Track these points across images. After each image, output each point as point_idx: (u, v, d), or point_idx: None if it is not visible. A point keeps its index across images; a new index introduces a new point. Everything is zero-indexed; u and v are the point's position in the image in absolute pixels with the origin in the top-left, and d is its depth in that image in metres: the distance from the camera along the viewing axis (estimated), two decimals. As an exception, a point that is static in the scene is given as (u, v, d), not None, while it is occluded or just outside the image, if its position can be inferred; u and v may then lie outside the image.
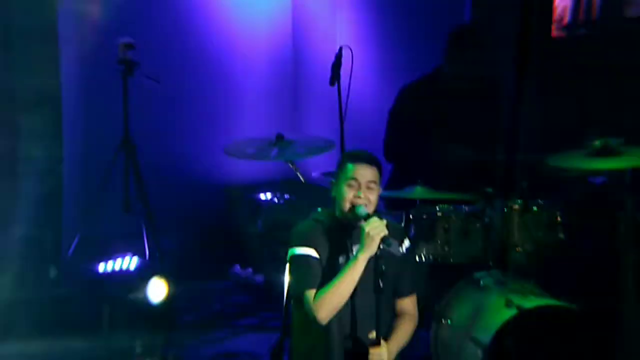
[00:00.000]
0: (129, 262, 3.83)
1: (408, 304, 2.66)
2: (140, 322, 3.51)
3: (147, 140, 4.37)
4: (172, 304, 3.67)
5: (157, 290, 3.59)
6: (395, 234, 2.57)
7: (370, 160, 2.57)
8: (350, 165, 2.55)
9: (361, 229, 2.48)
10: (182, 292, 3.88)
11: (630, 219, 2.87)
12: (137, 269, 3.79)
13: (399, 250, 2.54)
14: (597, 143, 2.98)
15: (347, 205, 2.53)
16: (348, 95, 3.39)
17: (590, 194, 3.30)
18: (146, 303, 3.54)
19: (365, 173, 2.54)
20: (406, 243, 2.65)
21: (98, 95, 4.70)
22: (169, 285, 3.66)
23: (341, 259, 2.54)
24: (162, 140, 4.85)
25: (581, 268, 3.26)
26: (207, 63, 5.09)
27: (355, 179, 2.53)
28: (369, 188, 2.54)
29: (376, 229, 2.44)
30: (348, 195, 2.53)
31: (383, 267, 2.45)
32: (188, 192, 4.96)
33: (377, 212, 2.62)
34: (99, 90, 4.68)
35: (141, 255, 4.00)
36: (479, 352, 2.89)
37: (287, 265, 2.61)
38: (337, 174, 2.60)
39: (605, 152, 2.96)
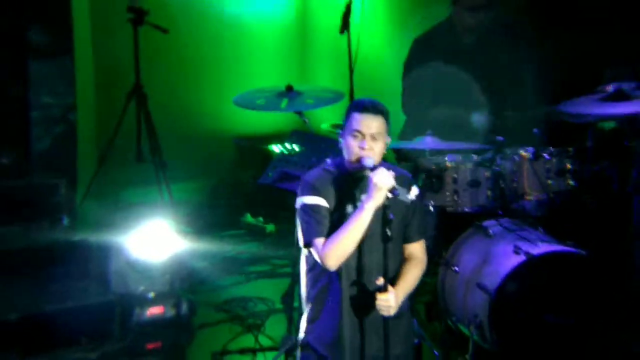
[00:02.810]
0: (144, 211, 3.86)
1: (416, 249, 2.67)
2: (152, 269, 3.57)
3: (157, 90, 4.37)
4: (185, 251, 3.73)
5: (170, 239, 3.64)
6: (403, 182, 2.57)
7: (375, 110, 2.53)
8: (355, 116, 2.53)
9: (368, 180, 2.48)
10: (195, 240, 3.94)
11: (640, 163, 2.86)
12: (151, 217, 3.82)
13: (407, 198, 2.54)
14: (610, 88, 2.94)
15: (353, 157, 2.54)
16: (358, 45, 3.35)
17: (601, 140, 3.27)
18: (159, 251, 3.59)
19: (370, 124, 2.51)
20: (414, 190, 2.64)
21: (109, 43, 4.68)
22: (181, 233, 3.71)
23: (349, 208, 2.56)
24: (172, 91, 4.85)
25: (590, 214, 3.26)
26: (214, 13, 5.03)
27: (359, 130, 2.52)
28: (373, 139, 2.53)
29: (383, 179, 2.45)
30: (353, 146, 2.52)
31: (391, 216, 2.46)
32: (198, 143, 4.98)
33: (385, 162, 2.62)
34: (110, 38, 4.66)
35: (155, 204, 4.04)
36: (486, 298, 2.93)
37: (297, 214, 2.62)
38: (343, 124, 2.59)
39: (618, 97, 2.92)
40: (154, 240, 3.59)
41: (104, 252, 3.59)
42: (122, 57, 4.38)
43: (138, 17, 4.14)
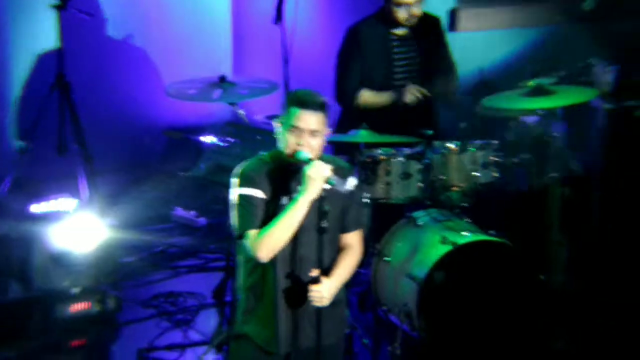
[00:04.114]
0: (66, 204, 3.73)
1: (353, 239, 2.66)
2: (76, 263, 3.44)
3: (82, 78, 4.20)
4: (111, 245, 3.61)
5: (93, 231, 3.52)
6: (341, 173, 2.57)
7: (316, 105, 2.48)
8: (294, 110, 2.47)
9: (303, 172, 2.47)
10: (121, 234, 3.83)
11: (559, 156, 3.00)
12: (74, 210, 3.70)
13: (344, 188, 2.52)
14: (530, 83, 3.07)
15: (289, 151, 2.51)
16: (292, 35, 3.33)
17: (522, 133, 3.41)
18: (82, 244, 3.47)
19: (310, 120, 2.47)
20: (352, 180, 2.61)
21: (30, 30, 4.48)
22: (107, 227, 3.60)
23: (284, 200, 2.53)
24: (98, 80, 4.69)
25: (513, 204, 3.39)
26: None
27: (297, 126, 2.47)
28: (312, 135, 2.49)
29: (318, 171, 2.44)
30: (290, 142, 2.49)
31: (327, 208, 2.46)
32: (126, 134, 4.84)
33: (324, 155, 2.60)
34: (31, 25, 4.46)
35: (78, 197, 3.90)
36: (415, 287, 2.99)
37: (232, 205, 2.58)
38: (281, 115, 2.54)
39: (538, 92, 3.06)
40: (78, 234, 3.47)
41: (26, 246, 3.44)
42: (45, 44, 4.18)
43: (62, 2, 3.97)
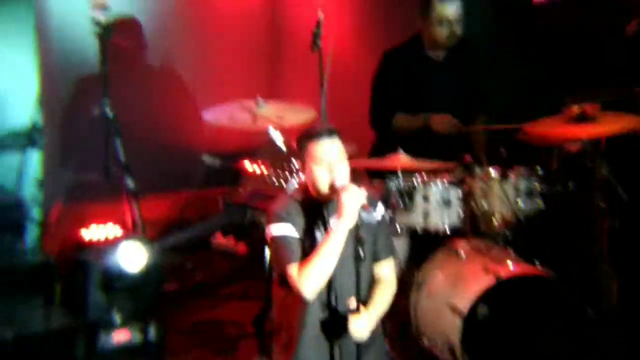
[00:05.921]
0: (113, 230, 3.79)
1: (385, 269, 2.64)
2: (119, 291, 3.48)
3: (124, 104, 4.28)
4: (153, 272, 3.65)
5: (137, 258, 3.56)
6: (369, 201, 2.54)
7: (329, 133, 2.50)
8: (312, 146, 2.49)
9: (339, 201, 2.44)
10: (163, 261, 3.86)
11: (605, 186, 2.86)
12: (121, 236, 3.75)
13: (374, 216, 2.52)
14: (574, 109, 2.94)
15: (323, 187, 2.49)
16: (330, 62, 3.30)
17: (567, 161, 3.26)
18: (126, 271, 3.52)
19: (330, 149, 2.48)
20: (380, 208, 2.63)
21: (76, 56, 4.61)
22: (150, 254, 3.63)
23: (319, 234, 2.52)
24: (139, 105, 4.77)
25: (559, 235, 3.25)
26: (179, 26, 4.98)
27: (322, 159, 2.48)
28: (339, 162, 2.50)
29: (355, 198, 2.42)
30: (322, 177, 2.48)
31: (363, 235, 2.43)
32: (166, 158, 4.89)
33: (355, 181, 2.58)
34: (76, 52, 4.59)
35: (124, 223, 3.96)
36: (458, 321, 2.91)
37: (268, 246, 2.58)
38: (300, 156, 2.54)
39: (582, 118, 2.93)
40: (123, 261, 3.51)
41: (74, 274, 3.50)
42: (87, 70, 4.28)
43: (105, 30, 4.05)
